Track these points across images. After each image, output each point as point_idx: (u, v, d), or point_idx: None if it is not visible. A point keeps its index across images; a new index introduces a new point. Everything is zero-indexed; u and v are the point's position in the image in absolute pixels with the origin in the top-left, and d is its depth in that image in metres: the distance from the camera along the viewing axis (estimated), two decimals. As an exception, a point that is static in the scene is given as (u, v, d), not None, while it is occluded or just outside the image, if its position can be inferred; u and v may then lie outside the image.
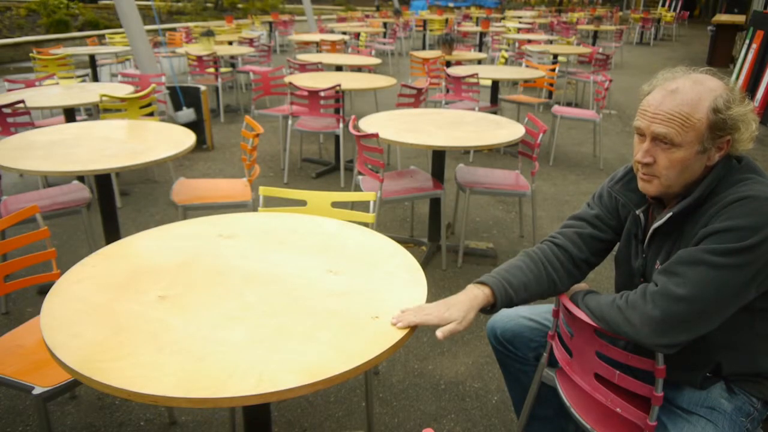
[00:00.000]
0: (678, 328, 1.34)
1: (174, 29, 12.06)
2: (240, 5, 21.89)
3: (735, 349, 1.45)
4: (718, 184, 1.41)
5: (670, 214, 1.45)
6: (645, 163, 1.44)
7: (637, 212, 1.57)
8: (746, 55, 8.58)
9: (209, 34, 7.69)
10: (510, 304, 1.58)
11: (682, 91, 1.38)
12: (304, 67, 6.14)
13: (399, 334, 1.30)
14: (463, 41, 11.06)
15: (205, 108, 5.85)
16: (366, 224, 2.00)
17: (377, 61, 6.81)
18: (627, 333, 1.38)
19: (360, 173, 3.46)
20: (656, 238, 1.52)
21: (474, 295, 1.52)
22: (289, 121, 4.87)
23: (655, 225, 1.50)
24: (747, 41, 8.86)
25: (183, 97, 5.84)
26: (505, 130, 3.42)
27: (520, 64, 7.64)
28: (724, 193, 1.38)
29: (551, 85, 6.19)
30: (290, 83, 4.88)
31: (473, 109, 4.67)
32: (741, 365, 1.47)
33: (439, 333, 1.42)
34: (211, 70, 6.71)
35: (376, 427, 2.29)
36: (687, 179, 1.43)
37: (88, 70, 7.62)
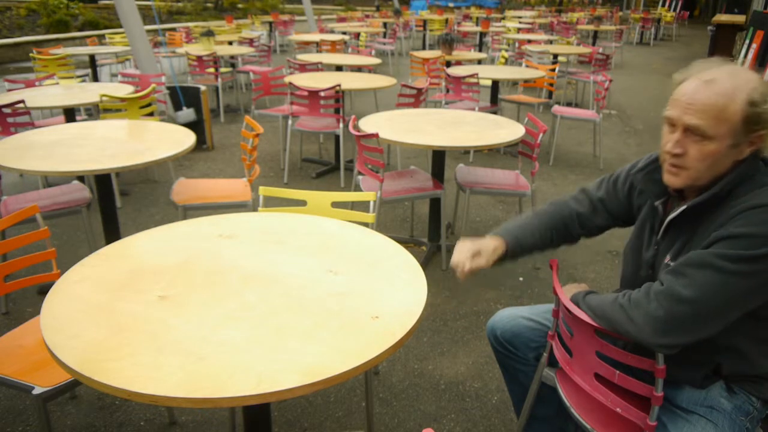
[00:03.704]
0: (680, 330, 1.33)
1: (174, 29, 12.06)
2: (240, 5, 21.88)
3: (735, 351, 1.45)
4: (740, 184, 1.38)
5: (684, 207, 1.43)
6: (675, 154, 1.40)
7: (656, 203, 1.55)
8: (746, 55, 8.59)
9: (209, 34, 7.69)
10: (512, 258, 1.79)
11: (719, 82, 1.34)
12: (304, 67, 6.14)
13: (399, 334, 1.30)
14: (463, 41, 11.05)
15: (205, 108, 5.85)
16: (366, 224, 2.00)
17: (377, 61, 6.81)
18: (628, 331, 1.37)
19: (360, 173, 3.46)
20: (670, 232, 1.51)
21: (495, 246, 1.75)
22: (289, 121, 4.87)
23: (670, 217, 1.48)
24: (747, 41, 8.86)
25: (183, 97, 5.84)
26: (505, 130, 3.42)
27: (520, 64, 7.64)
28: (745, 197, 1.35)
29: (551, 85, 6.18)
30: (290, 83, 4.88)
31: (473, 109, 4.67)
32: (741, 367, 1.47)
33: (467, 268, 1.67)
34: (211, 70, 6.71)
35: (376, 427, 2.29)
36: (715, 173, 1.39)
37: (88, 70, 7.62)
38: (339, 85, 4.64)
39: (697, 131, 1.35)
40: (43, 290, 3.03)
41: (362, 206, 2.27)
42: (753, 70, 1.39)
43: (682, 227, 1.48)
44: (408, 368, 2.64)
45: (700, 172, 1.39)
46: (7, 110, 3.83)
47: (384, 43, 11.65)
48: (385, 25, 14.28)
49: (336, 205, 2.26)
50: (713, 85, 1.34)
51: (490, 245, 1.74)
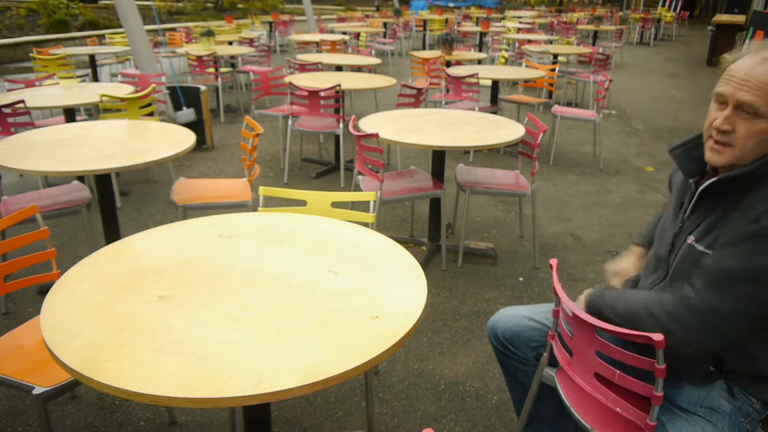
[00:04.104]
0: (713, 338, 1.36)
1: (174, 29, 12.06)
2: (240, 5, 21.88)
3: (740, 349, 1.46)
4: None
5: (715, 178, 1.42)
6: (723, 130, 1.38)
7: (690, 181, 1.55)
8: (746, 55, 8.57)
9: (209, 34, 7.69)
10: None
11: None
12: (304, 67, 6.14)
13: (399, 334, 1.30)
14: (463, 41, 11.04)
15: (205, 108, 5.85)
16: (366, 224, 2.00)
17: (377, 61, 6.81)
18: (659, 334, 1.37)
19: (360, 173, 3.46)
20: (698, 210, 1.50)
21: (636, 256, 1.89)
22: (289, 121, 4.87)
23: (702, 187, 1.46)
24: (747, 41, 8.86)
25: (183, 97, 5.84)
26: (505, 130, 3.42)
27: (520, 64, 7.64)
28: None
29: (551, 85, 6.18)
30: (290, 83, 4.88)
31: (473, 109, 4.67)
32: (743, 365, 1.47)
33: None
34: (211, 70, 6.70)
35: (376, 427, 2.29)
36: (759, 153, 1.38)
37: (88, 70, 7.62)
38: (339, 85, 4.64)
39: (749, 108, 1.34)
40: (43, 290, 3.03)
41: (362, 206, 2.27)
42: None
43: (711, 207, 1.46)
44: (408, 368, 2.64)
45: (745, 151, 1.37)
46: (7, 110, 3.83)
47: (384, 43, 11.64)
48: (385, 25, 14.28)
49: (336, 205, 2.26)
50: None
51: (632, 256, 1.91)
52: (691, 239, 1.47)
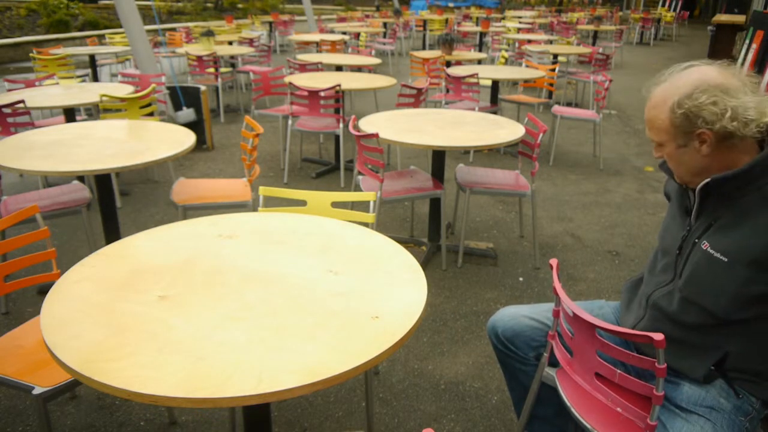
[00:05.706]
0: None
1: (174, 29, 12.06)
2: (240, 5, 21.88)
3: (739, 348, 1.46)
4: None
5: (708, 180, 1.45)
6: (662, 159, 1.55)
7: (684, 186, 1.58)
8: (746, 55, 8.58)
9: (209, 34, 7.69)
10: None
11: (653, 96, 1.49)
12: (304, 67, 6.14)
13: (399, 334, 1.30)
14: (463, 41, 11.04)
15: (205, 108, 5.85)
16: (366, 224, 2.00)
17: (377, 61, 6.81)
18: None
19: (360, 173, 3.46)
20: (704, 212, 1.52)
21: None
22: (289, 121, 4.87)
23: (698, 187, 1.48)
24: (747, 41, 8.86)
25: (183, 97, 5.84)
26: (505, 130, 3.42)
27: (520, 64, 7.64)
28: None
29: (551, 85, 6.18)
30: (290, 83, 4.88)
31: (473, 109, 4.67)
32: (743, 363, 1.47)
33: None
34: (211, 70, 6.70)
35: (376, 427, 2.29)
36: (692, 170, 1.48)
37: (88, 70, 7.62)
38: (339, 85, 4.64)
39: (653, 141, 1.52)
40: (43, 290, 3.03)
41: (362, 206, 2.27)
42: (710, 70, 1.45)
43: (716, 209, 1.48)
44: (408, 368, 2.64)
45: (681, 172, 1.51)
46: (7, 110, 3.83)
47: (384, 43, 11.64)
48: (385, 25, 14.28)
49: (336, 205, 2.26)
50: (649, 100, 1.50)
51: None
52: (705, 245, 1.48)
